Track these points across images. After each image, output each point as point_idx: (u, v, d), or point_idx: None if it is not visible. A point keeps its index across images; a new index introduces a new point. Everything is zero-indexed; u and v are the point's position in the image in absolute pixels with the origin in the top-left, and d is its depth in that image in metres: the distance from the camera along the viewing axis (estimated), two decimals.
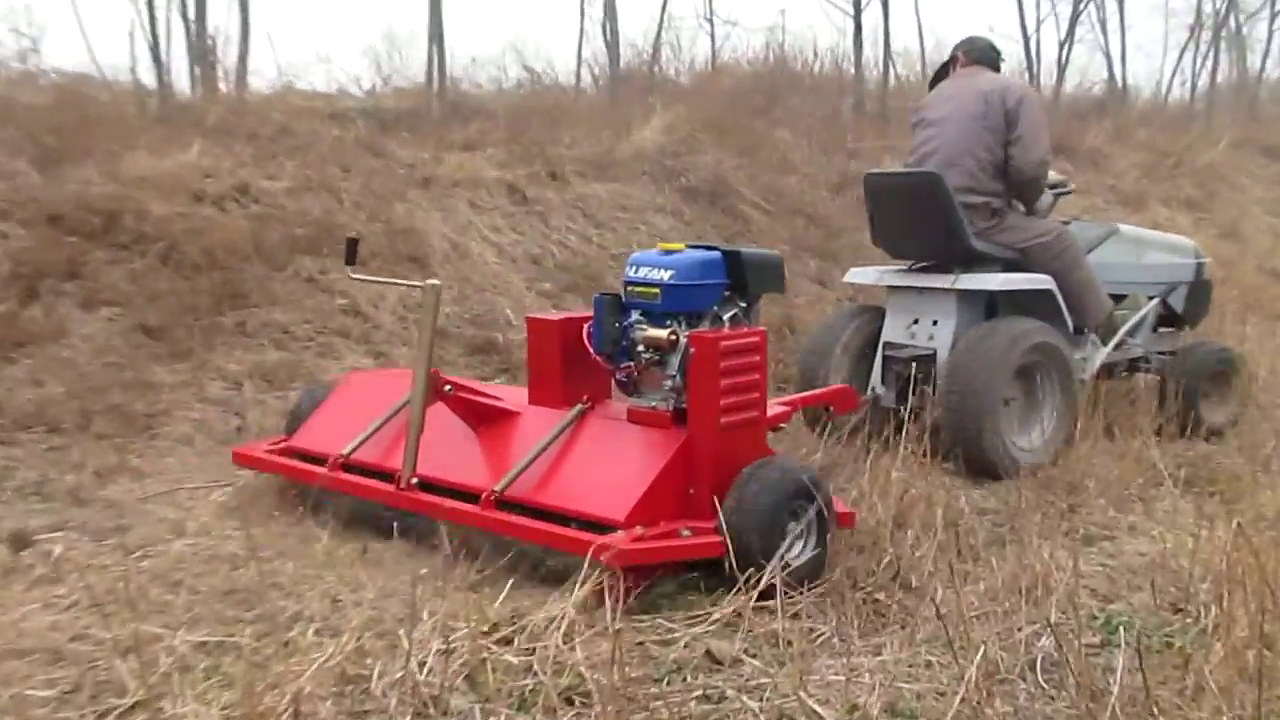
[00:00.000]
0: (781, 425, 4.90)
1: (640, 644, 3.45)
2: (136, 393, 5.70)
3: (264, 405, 5.78)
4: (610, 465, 4.11)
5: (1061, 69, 17.11)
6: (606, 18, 12.52)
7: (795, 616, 3.68)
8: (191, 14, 9.87)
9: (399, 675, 3.04)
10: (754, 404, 4.15)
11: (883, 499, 4.39)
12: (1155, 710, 2.87)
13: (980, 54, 6.17)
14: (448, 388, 4.40)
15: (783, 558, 3.84)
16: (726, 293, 4.38)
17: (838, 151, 11.15)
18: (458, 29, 20.72)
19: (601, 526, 3.84)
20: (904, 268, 6.10)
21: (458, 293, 7.14)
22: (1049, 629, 3.44)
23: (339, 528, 4.38)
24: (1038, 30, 16.99)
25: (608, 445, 4.23)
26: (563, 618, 3.34)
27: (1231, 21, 19.10)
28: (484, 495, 4.08)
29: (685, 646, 3.44)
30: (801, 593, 3.79)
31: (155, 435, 5.53)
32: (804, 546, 3.96)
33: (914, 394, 5.41)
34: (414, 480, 4.26)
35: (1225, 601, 3.11)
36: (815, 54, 15.90)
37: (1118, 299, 6.35)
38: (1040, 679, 3.28)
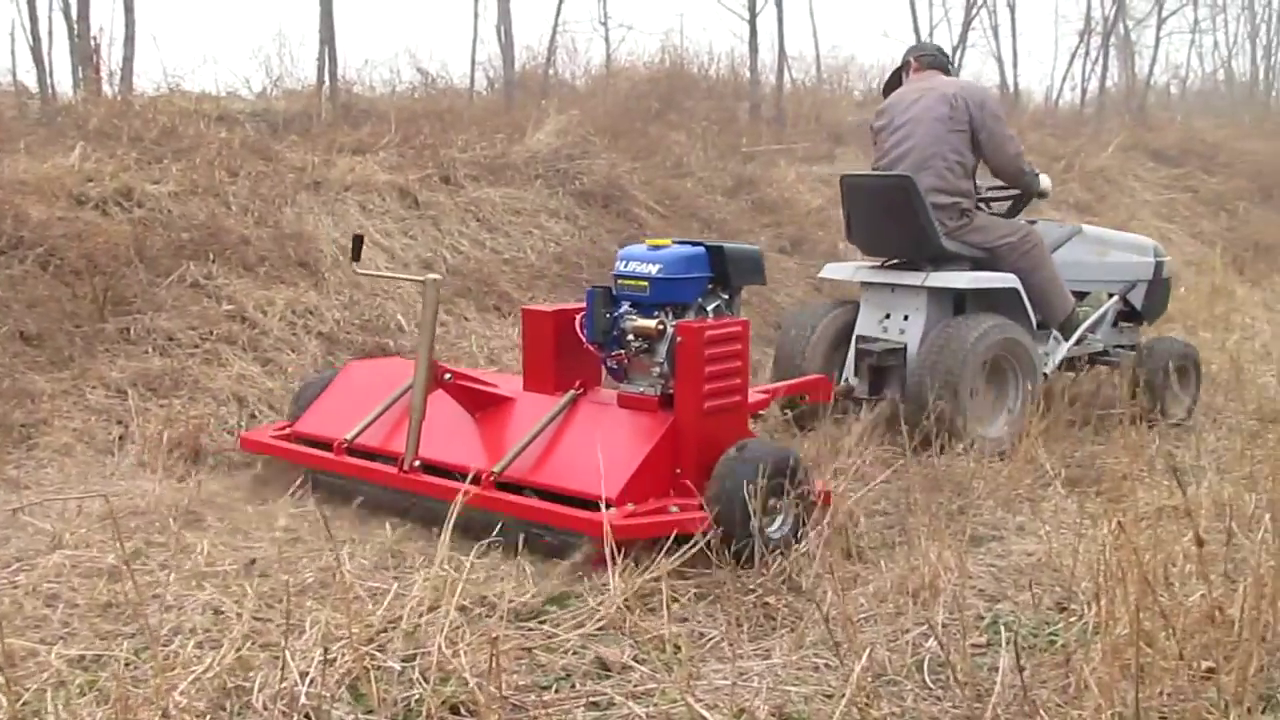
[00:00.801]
0: (760, 412, 5.18)
1: (528, 650, 3.43)
2: (14, 402, 5.58)
3: (148, 413, 5.68)
4: (602, 447, 4.34)
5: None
6: (500, 21, 12.48)
7: (684, 620, 3.69)
8: (74, 15, 9.69)
9: (280, 687, 3.00)
10: (736, 389, 4.51)
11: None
12: (1035, 709, 2.91)
13: (933, 59, 6.46)
14: (447, 376, 4.69)
15: (763, 531, 4.14)
16: (710, 285, 4.72)
17: (733, 155, 11.22)
18: (350, 31, 20.64)
19: (594, 504, 4.11)
20: (877, 264, 6.39)
21: (348, 298, 7.06)
22: (934, 630, 3.47)
23: (222, 537, 4.33)
24: (930, 36, 17.23)
25: (600, 428, 4.52)
26: (446, 623, 3.31)
27: (1120, 28, 19.51)
28: (483, 476, 4.32)
29: (574, 653, 3.43)
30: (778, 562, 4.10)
31: (34, 445, 5.41)
32: (783, 520, 4.28)
33: (887, 385, 5.92)
34: (416, 463, 4.55)
35: (1105, 599, 3.16)
36: (711, 58, 16.01)
37: (1080, 296, 6.63)
38: (927, 679, 3.31)
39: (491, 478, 4.36)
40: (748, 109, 13.82)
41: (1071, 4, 32.23)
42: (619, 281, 4.75)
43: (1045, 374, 6.25)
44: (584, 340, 4.77)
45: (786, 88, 15.78)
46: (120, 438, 5.56)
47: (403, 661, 3.21)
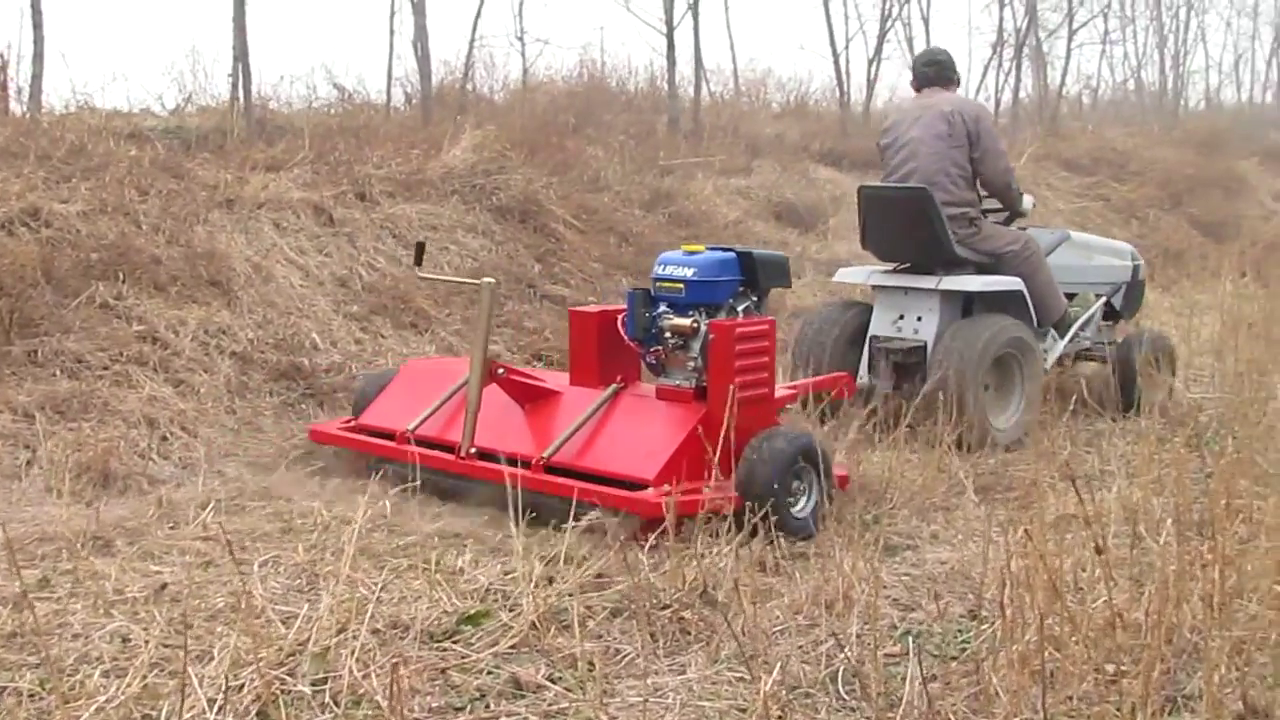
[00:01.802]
0: (788, 406, 5.53)
1: (442, 671, 3.41)
2: None
3: (56, 437, 5.58)
4: (642, 434, 4.90)
5: (871, 86, 17.50)
6: (417, 36, 12.42)
7: (599, 637, 3.68)
8: None
9: (187, 716, 2.96)
10: (764, 382, 5.00)
11: None
12: (943, 718, 2.93)
13: (934, 74, 6.86)
14: (500, 371, 5.19)
15: (789, 510, 4.69)
16: (740, 288, 5.23)
17: (651, 168, 11.24)
18: (265, 46, 20.41)
19: (635, 485, 4.60)
20: (889, 269, 6.82)
21: (261, 317, 6.99)
22: (843, 641, 3.49)
23: (132, 563, 4.27)
24: (846, 48, 17.40)
25: (639, 418, 5.05)
26: (357, 645, 3.28)
27: (1032, 39, 19.75)
28: (534, 461, 4.83)
29: (488, 673, 3.41)
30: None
31: None
32: (807, 500, 4.81)
33: (905, 382, 6.41)
34: (472, 450, 5.03)
35: (1012, 606, 3.19)
36: (630, 71, 16.04)
37: (1069, 297, 7.10)
38: (840, 691, 3.33)
39: (541, 462, 4.84)
40: (666, 122, 13.84)
41: (985, 16, 32.67)
42: (657, 284, 5.26)
43: (1046, 369, 6.78)
44: (625, 337, 5.26)
45: (704, 101, 15.84)
46: (27, 462, 5.46)
47: (313, 685, 3.18)
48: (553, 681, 3.36)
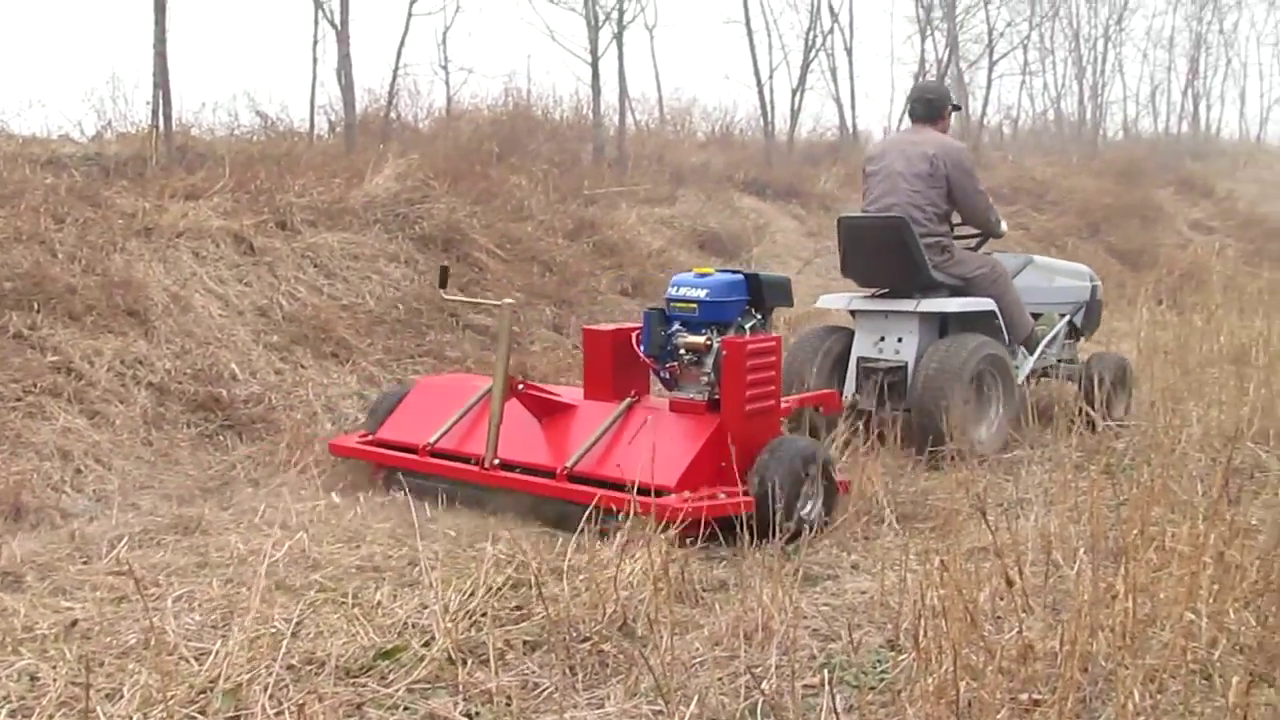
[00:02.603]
0: (784, 418, 5.84)
1: (357, 707, 3.37)
2: None
3: None
4: (659, 444, 5.10)
5: (795, 115, 17.65)
6: (341, 65, 12.35)
7: (516, 670, 3.65)
8: None
9: None
10: (772, 395, 5.42)
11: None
12: None
13: (924, 112, 7.25)
14: (520, 386, 5.57)
15: (796, 512, 5.00)
16: (747, 307, 5.67)
17: (575, 197, 11.24)
18: (187, 73, 20.17)
19: (654, 492, 4.81)
20: (868, 294, 7.22)
21: (179, 347, 6.91)
22: (761, 673, 3.48)
23: (43, 599, 4.18)
24: (770, 78, 17.51)
25: (656, 429, 5.31)
26: (271, 681, 3.23)
27: (954, 69, 19.99)
28: (558, 470, 5.18)
29: (404, 709, 3.38)
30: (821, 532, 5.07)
31: None
32: (813, 503, 5.18)
33: (889, 399, 6.75)
34: (495, 461, 5.40)
35: (927, 637, 3.20)
36: (555, 100, 16.05)
37: (1035, 317, 7.54)
38: None
39: (564, 471, 5.20)
40: (591, 151, 13.87)
41: (907, 47, 33.09)
42: (671, 304, 5.67)
43: (1019, 384, 7.14)
44: (641, 354, 5.66)
45: (630, 130, 15.90)
46: None
47: None
48: (469, 717, 3.33)
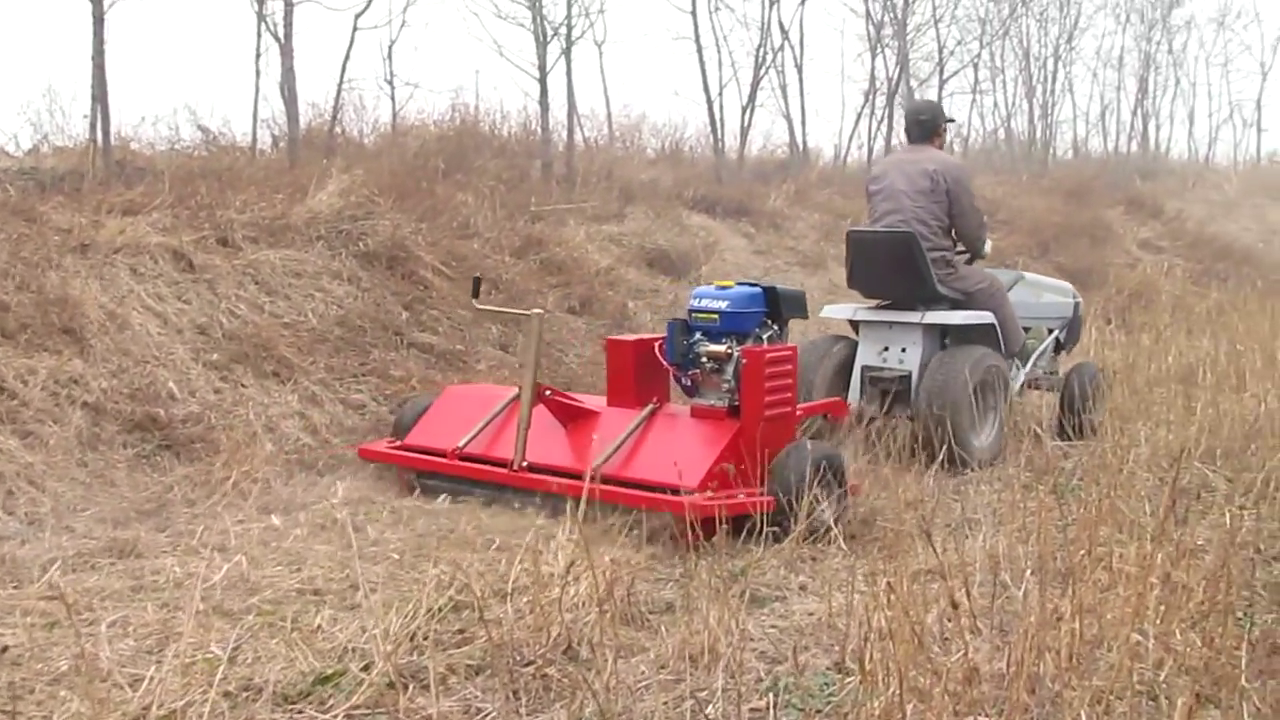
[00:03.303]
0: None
1: None
2: None
3: None
4: (682, 448, 5.65)
5: (745, 132, 17.68)
6: (284, 79, 12.28)
7: (459, 696, 3.63)
8: None
9: None
10: (788, 401, 5.88)
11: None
12: None
13: (919, 133, 7.67)
14: (548, 393, 6.02)
15: (812, 511, 5.27)
16: (765, 319, 6.10)
17: (522, 214, 11.22)
18: (126, 86, 19.94)
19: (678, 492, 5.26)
20: (871, 305, 7.59)
21: (116, 366, 6.82)
22: (707, 697, 3.48)
23: None
24: (720, 95, 17.52)
25: (679, 433, 5.86)
26: (207, 710, 3.20)
27: (904, 88, 20.12)
28: (588, 473, 5.23)
29: None
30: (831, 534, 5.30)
31: None
32: (829, 504, 5.44)
33: (894, 407, 7.17)
34: (524, 464, 5.81)
35: (873, 660, 3.21)
36: (503, 116, 16.02)
37: (1025, 330, 7.95)
38: None
39: (594, 473, 5.32)
40: (539, 168, 13.85)
41: (857, 65, 33.31)
42: (693, 314, 6.10)
43: (1014, 394, 7.56)
44: (664, 363, 6.08)
45: (578, 146, 15.90)
46: None
47: None
48: None
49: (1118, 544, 4.58)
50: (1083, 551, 4.18)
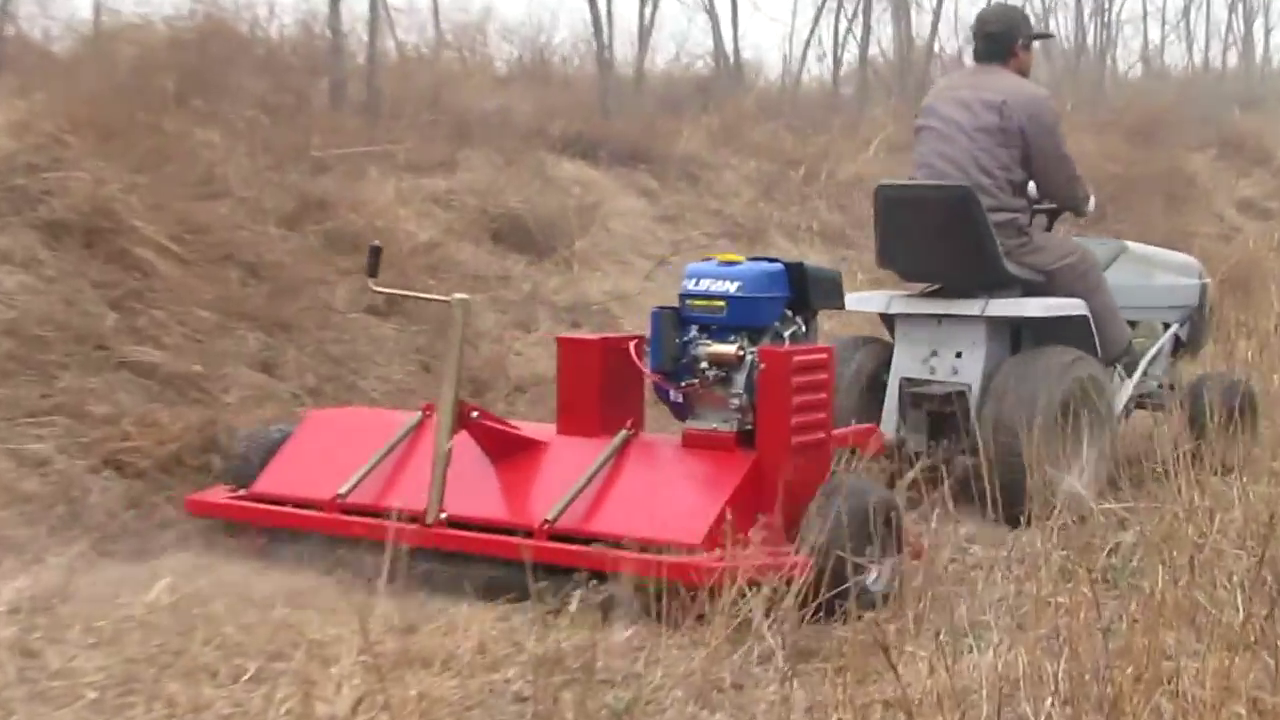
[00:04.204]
0: None
1: None
2: None
3: None
4: (675, 490, 6.00)
5: (644, 37, 17.71)
6: None
7: None
8: None
9: None
10: (823, 424, 6.12)
11: None
12: None
13: (987, 49, 8.14)
14: (475, 414, 6.22)
15: (862, 582, 5.65)
16: (787, 309, 6.31)
17: (298, 162, 11.14)
18: None
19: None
20: (914, 293, 8.08)
21: None
22: None
23: None
24: None
25: (669, 470, 6.17)
26: None
27: None
28: (538, 527, 5.74)
29: None
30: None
31: None
32: (879, 571, 5.81)
33: (946, 436, 7.50)
34: (443, 515, 5.98)
35: None
36: (271, 11, 15.88)
37: (1131, 325, 8.37)
38: None
39: (546, 527, 5.77)
40: (326, 90, 13.78)
41: None
42: (687, 301, 6.29)
43: (1118, 416, 8.04)
44: (645, 371, 6.34)
45: (388, 57, 15.83)
46: None
47: None
48: None
49: (1191, 655, 4.63)
50: (1132, 670, 4.23)
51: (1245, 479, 7.02)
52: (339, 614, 5.37)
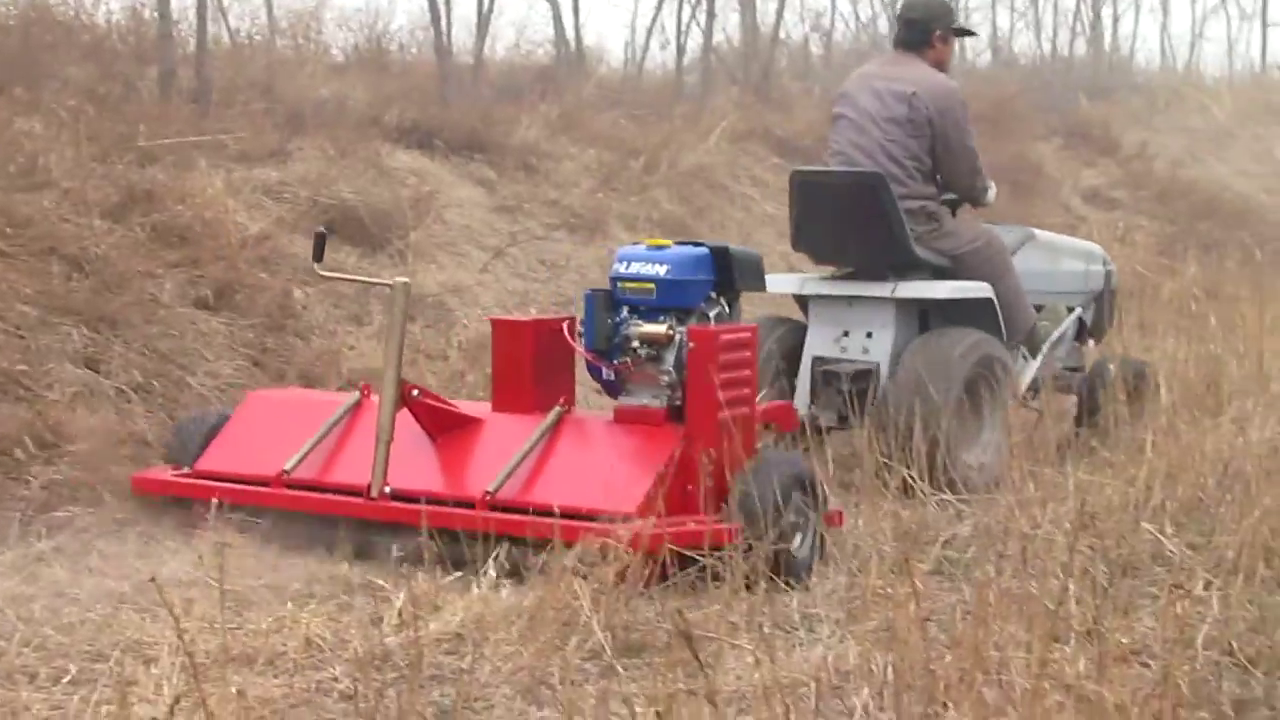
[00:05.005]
0: None
1: None
2: None
3: None
4: (610, 463, 6.34)
5: (483, 23, 17.64)
6: None
7: None
8: None
9: None
10: (748, 400, 6.54)
11: None
12: None
13: (907, 36, 8.70)
14: (415, 393, 6.65)
15: (785, 548, 6.08)
16: (712, 291, 6.74)
17: (124, 153, 11.04)
18: None
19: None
20: (826, 275, 8.57)
21: None
22: None
23: None
24: None
25: (603, 444, 6.62)
26: None
27: None
28: (479, 498, 6.21)
29: None
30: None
31: None
32: (803, 538, 6.29)
33: (856, 412, 7.90)
34: (386, 490, 6.45)
35: None
36: None
37: (1037, 309, 8.79)
38: None
39: (487, 498, 6.21)
40: (154, 79, 13.63)
41: None
42: (619, 284, 6.74)
43: (1019, 396, 8.46)
44: (580, 350, 6.83)
45: (223, 44, 15.69)
46: None
47: None
48: None
49: (1021, 647, 4.71)
50: (959, 660, 4.30)
51: (1080, 469, 7.16)
52: (160, 614, 5.33)
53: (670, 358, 6.62)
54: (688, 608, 5.87)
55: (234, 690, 4.52)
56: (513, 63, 19.29)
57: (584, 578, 5.62)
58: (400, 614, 5.61)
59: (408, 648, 5.11)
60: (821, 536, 6.43)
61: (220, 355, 9.25)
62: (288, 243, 10.96)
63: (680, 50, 20.10)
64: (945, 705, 3.99)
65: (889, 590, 5.39)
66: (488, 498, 6.22)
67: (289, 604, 5.84)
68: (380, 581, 6.09)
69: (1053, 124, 20.80)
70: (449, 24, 17.16)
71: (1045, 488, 6.68)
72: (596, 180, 14.29)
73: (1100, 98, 24.77)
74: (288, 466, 6.69)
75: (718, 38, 20.61)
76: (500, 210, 13.36)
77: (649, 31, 21.13)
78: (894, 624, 4.93)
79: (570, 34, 19.04)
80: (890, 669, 4.64)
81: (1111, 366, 8.73)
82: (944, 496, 7.47)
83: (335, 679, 5.18)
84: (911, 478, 7.28)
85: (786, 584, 6.04)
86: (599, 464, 6.36)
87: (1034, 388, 8.86)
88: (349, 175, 12.26)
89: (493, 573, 5.97)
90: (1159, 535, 6.37)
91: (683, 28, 20.28)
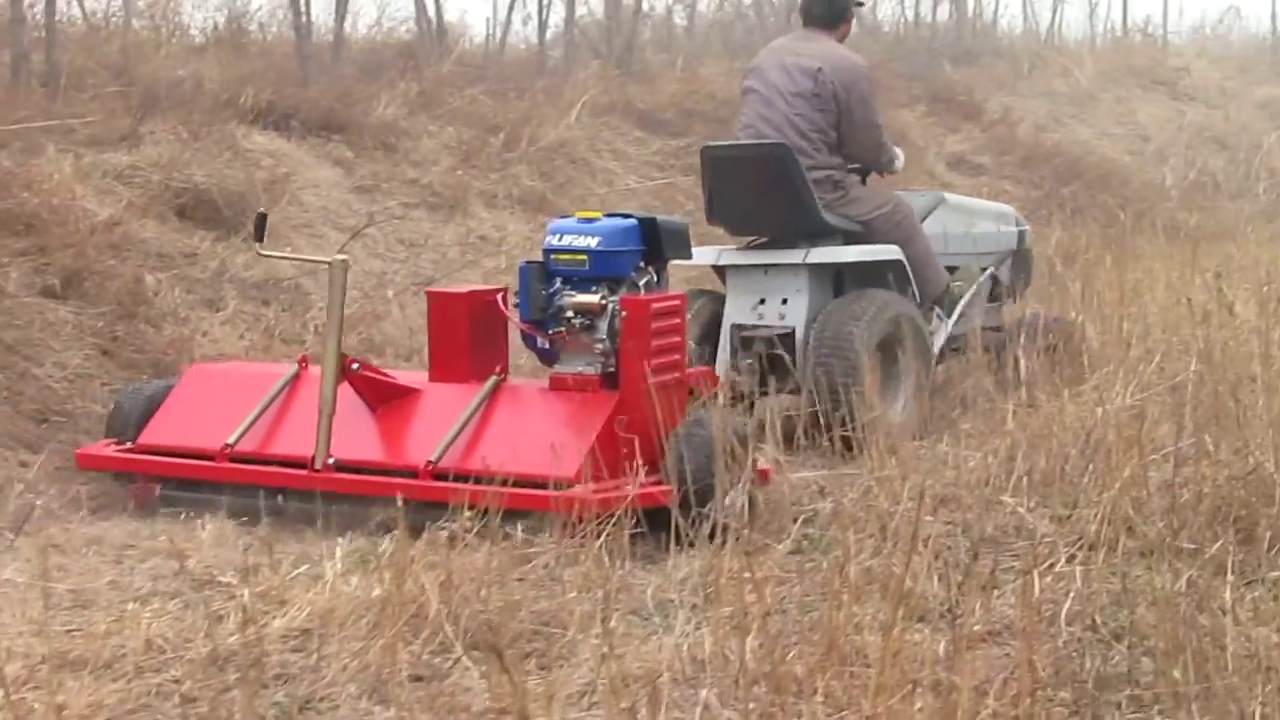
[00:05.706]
0: None
1: None
2: None
3: None
4: (547, 429, 6.65)
5: (341, 2, 17.48)
6: None
7: None
8: None
9: None
10: (678, 365, 6.87)
11: None
12: None
13: (821, 12, 9.04)
14: (355, 366, 6.92)
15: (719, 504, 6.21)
16: (641, 261, 7.08)
17: None
18: None
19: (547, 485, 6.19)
20: (741, 246, 8.96)
21: None
22: None
23: None
24: None
25: (539, 411, 6.95)
26: None
27: None
28: (422, 467, 6.51)
29: None
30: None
31: None
32: (735, 494, 6.39)
33: (775, 375, 8.11)
34: (330, 461, 6.70)
35: None
36: None
37: (950, 271, 9.24)
38: None
39: (430, 467, 6.51)
40: (5, 62, 13.44)
41: None
42: (551, 256, 7.04)
43: (934, 354, 8.87)
44: (515, 320, 7.12)
45: (75, 25, 15.50)
46: None
47: None
48: None
49: (878, 630, 4.62)
50: (815, 646, 4.22)
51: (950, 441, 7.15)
52: None
53: (604, 326, 6.91)
54: (542, 597, 5.82)
55: (59, 699, 4.37)
56: (374, 41, 19.12)
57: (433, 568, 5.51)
58: (244, 610, 5.44)
59: (250, 647, 4.95)
60: (751, 496, 6.63)
61: (69, 345, 9.09)
62: (138, 228, 10.80)
63: (543, 25, 20.03)
64: (795, 696, 3.86)
65: (744, 574, 5.26)
66: (429, 466, 6.49)
67: (130, 604, 5.68)
68: (226, 579, 5.95)
69: (916, 91, 20.85)
70: (308, 3, 16.98)
71: (906, 463, 6.60)
72: (456, 158, 14.20)
73: (964, 64, 24.90)
74: (230, 440, 6.90)
75: (580, 11, 20.52)
76: (358, 190, 13.23)
77: (510, 7, 20.94)
78: (745, 611, 4.84)
79: (431, 10, 18.87)
80: (741, 660, 4.54)
81: (1033, 320, 8.93)
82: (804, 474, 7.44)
83: (176, 681, 5.05)
84: (831, 439, 7.71)
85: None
86: (537, 431, 6.61)
87: (953, 346, 9.24)
88: (202, 158, 12.09)
89: (340, 565, 5.81)
90: (1020, 509, 6.32)
91: (545, 2, 20.17)
